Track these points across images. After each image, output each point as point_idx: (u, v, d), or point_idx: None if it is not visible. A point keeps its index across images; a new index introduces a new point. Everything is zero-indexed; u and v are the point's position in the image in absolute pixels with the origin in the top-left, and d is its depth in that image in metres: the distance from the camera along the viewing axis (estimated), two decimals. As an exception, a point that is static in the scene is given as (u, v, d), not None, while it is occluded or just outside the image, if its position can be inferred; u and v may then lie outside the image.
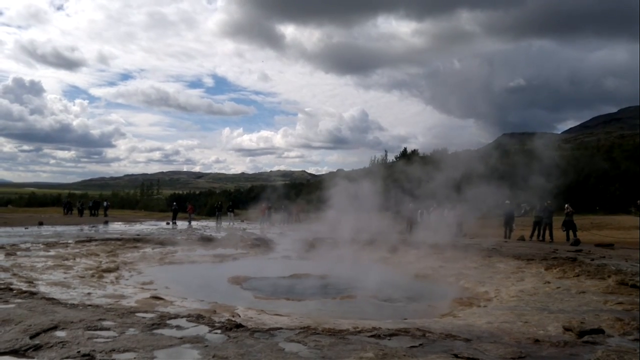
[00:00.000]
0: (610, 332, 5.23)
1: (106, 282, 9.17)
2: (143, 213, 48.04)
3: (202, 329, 4.78)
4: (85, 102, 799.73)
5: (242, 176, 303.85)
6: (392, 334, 4.81)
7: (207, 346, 4.18)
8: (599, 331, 5.11)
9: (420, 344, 4.50)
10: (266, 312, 6.45)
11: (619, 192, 33.92)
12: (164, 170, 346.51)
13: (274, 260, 14.40)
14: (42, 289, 7.30)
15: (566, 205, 18.45)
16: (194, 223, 28.32)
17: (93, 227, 22.10)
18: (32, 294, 6.52)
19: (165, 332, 4.66)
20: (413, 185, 16.30)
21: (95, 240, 15.31)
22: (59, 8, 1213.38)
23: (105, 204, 36.92)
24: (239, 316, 5.83)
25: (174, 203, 32.34)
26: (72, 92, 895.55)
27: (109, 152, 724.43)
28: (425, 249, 14.43)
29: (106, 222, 26.34)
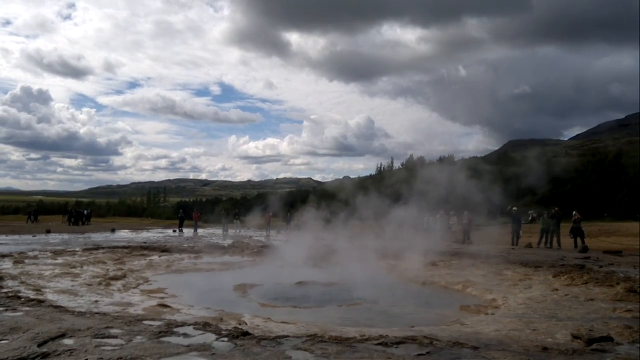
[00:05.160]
0: (619, 339, 5.19)
1: (113, 290, 9.19)
2: (150, 221, 48.34)
3: (209, 337, 4.78)
4: (92, 111, 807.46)
5: (249, 183, 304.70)
6: (399, 342, 4.79)
7: (214, 354, 4.18)
8: (608, 339, 5.07)
9: (428, 352, 4.48)
10: (273, 320, 6.43)
11: (627, 199, 33.67)
12: (171, 178, 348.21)
13: (280, 267, 14.38)
14: (50, 296, 7.34)
15: (574, 212, 18.37)
16: (200, 230, 28.38)
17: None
18: (40, 301, 6.55)
19: (172, 340, 4.66)
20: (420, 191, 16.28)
21: (102, 248, 15.38)
22: (66, 17, 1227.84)
23: (85, 212, 36.75)
24: (246, 324, 5.82)
25: (181, 211, 32.43)
26: (80, 101, 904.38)
27: (116, 160, 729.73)
28: (433, 256, 14.39)
29: (113, 230, 26.46)
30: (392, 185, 18.05)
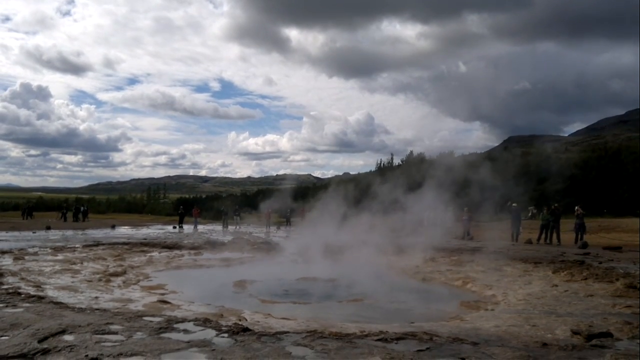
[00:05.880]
0: (618, 335, 5.20)
1: (113, 286, 9.21)
2: (150, 217, 48.37)
3: (209, 333, 4.80)
4: (92, 107, 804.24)
5: (248, 180, 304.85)
6: (399, 338, 4.80)
7: (214, 350, 4.19)
8: (608, 335, 5.08)
9: (428, 348, 4.49)
10: (273, 316, 6.45)
11: (627, 195, 33.68)
12: (171, 174, 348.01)
13: (280, 263, 14.40)
14: (50, 293, 7.35)
15: (576, 207, 18.39)
16: (200, 227, 28.39)
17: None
18: (40, 298, 6.56)
19: (173, 336, 4.67)
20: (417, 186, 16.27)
21: (103, 244, 15.39)
22: (66, 14, 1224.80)
23: (82, 208, 36.71)
24: (246, 320, 5.83)
25: (181, 207, 32.45)
26: (79, 97, 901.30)
27: (116, 157, 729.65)
28: (433, 252, 14.40)
29: (113, 227, 26.48)
30: (394, 180, 18.02)
